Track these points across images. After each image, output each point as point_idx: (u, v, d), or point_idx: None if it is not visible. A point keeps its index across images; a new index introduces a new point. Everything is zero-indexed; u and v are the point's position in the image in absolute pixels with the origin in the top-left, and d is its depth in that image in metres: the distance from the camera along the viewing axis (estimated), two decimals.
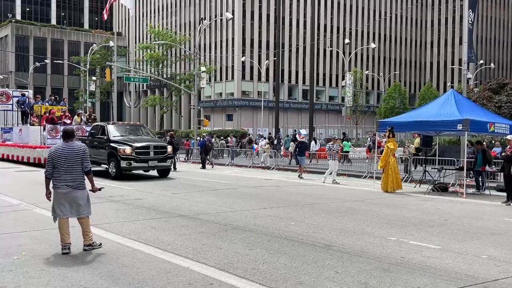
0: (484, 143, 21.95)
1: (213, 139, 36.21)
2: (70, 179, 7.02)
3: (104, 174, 19.03)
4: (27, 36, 79.83)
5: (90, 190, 7.40)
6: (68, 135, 7.23)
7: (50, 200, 7.29)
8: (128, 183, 17.04)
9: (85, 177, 7.25)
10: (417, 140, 23.62)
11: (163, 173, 19.83)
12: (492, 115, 17.60)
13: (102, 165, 19.65)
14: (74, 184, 7.06)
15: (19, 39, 79.52)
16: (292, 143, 30.45)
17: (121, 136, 19.47)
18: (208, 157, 27.19)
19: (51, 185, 7.18)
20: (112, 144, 18.71)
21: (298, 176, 21.26)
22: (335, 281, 5.87)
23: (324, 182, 18.77)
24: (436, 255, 7.27)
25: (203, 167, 26.34)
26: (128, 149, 18.23)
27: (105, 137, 19.34)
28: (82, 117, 26.47)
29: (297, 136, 25.57)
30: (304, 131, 26.37)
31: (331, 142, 20.40)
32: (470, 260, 7.02)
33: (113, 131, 19.65)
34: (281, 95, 61.43)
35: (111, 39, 55.98)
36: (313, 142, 33.73)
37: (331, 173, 19.25)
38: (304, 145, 22.95)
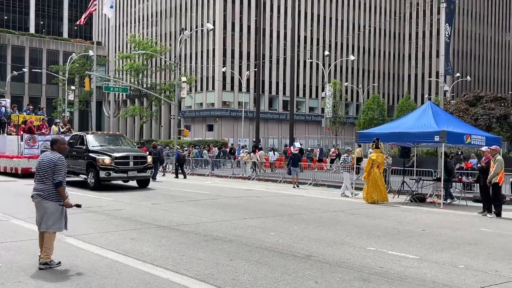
0: (452, 155, 22.31)
1: (192, 150, 36.12)
2: (40, 188, 6.78)
3: (83, 185, 18.81)
4: (4, 44, 78.71)
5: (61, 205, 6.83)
6: (50, 144, 7.08)
7: None
8: (107, 193, 16.85)
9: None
10: (358, 149, 23.68)
11: (143, 184, 19.67)
12: (468, 127, 17.88)
13: (81, 175, 19.41)
14: (44, 194, 6.72)
15: None
16: (252, 154, 30.67)
17: (100, 146, 19.26)
18: (180, 168, 27.77)
19: None
20: (91, 154, 18.48)
21: (293, 187, 21.79)
22: None
23: (347, 196, 18.03)
24: (414, 265, 7.36)
25: (176, 176, 27.20)
26: (107, 159, 18.05)
27: (84, 147, 19.08)
28: (60, 126, 26.11)
29: (291, 148, 26.08)
30: (298, 144, 26.97)
31: (346, 154, 19.64)
32: (448, 270, 7.12)
33: (92, 141, 19.44)
34: (262, 106, 61.67)
35: (90, 48, 55.59)
36: (271, 153, 34.21)
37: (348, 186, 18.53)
38: (297, 157, 23.33)
